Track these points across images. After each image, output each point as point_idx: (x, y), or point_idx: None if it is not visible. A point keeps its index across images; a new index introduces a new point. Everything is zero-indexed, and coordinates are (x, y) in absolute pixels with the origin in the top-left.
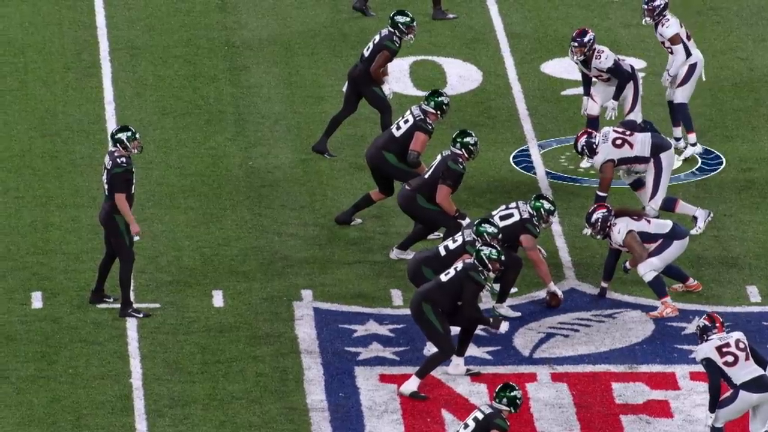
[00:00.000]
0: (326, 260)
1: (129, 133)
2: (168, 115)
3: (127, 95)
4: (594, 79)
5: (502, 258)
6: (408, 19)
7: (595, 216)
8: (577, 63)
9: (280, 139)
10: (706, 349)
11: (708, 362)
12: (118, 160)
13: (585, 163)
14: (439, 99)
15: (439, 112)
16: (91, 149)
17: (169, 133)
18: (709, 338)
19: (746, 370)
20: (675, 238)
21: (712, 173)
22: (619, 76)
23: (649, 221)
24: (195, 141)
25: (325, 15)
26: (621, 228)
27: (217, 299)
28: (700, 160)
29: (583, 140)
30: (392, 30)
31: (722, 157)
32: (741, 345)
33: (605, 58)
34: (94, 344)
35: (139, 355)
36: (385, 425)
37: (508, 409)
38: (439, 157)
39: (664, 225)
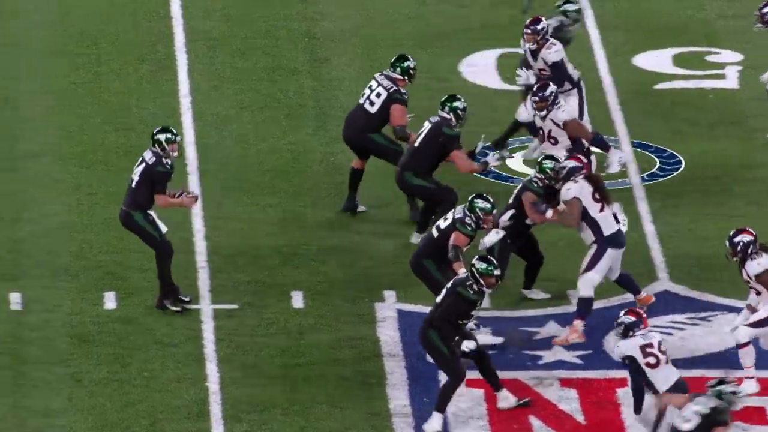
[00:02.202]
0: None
1: (168, 135)
2: (246, 109)
3: (204, 88)
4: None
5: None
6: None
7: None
8: (526, 52)
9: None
10: (630, 346)
11: (631, 361)
12: (163, 160)
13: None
14: (405, 64)
15: (406, 77)
16: None
17: (247, 127)
18: (634, 335)
19: (666, 373)
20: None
21: None
22: (561, 74)
23: None
24: (274, 136)
25: (410, 6)
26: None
27: (297, 300)
28: None
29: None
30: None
31: None
32: (663, 347)
33: (555, 51)
34: (169, 346)
35: (216, 358)
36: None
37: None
38: (427, 125)
39: None
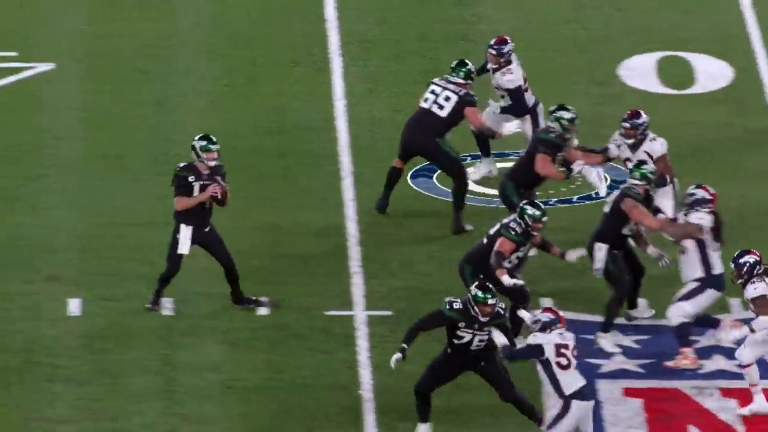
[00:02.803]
0: (571, 267)
1: (204, 143)
2: (401, 113)
3: (358, 91)
4: (491, 110)
5: (544, 218)
6: None
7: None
8: (489, 70)
9: (517, 137)
10: (545, 339)
11: (539, 352)
12: (181, 164)
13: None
14: (467, 68)
15: (469, 81)
16: (320, 148)
17: (401, 131)
18: (552, 331)
19: (574, 378)
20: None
21: None
22: (515, 100)
23: None
24: None
25: (567, 9)
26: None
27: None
28: None
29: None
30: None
31: None
32: (575, 352)
33: (508, 80)
34: (323, 353)
35: (370, 365)
36: None
37: None
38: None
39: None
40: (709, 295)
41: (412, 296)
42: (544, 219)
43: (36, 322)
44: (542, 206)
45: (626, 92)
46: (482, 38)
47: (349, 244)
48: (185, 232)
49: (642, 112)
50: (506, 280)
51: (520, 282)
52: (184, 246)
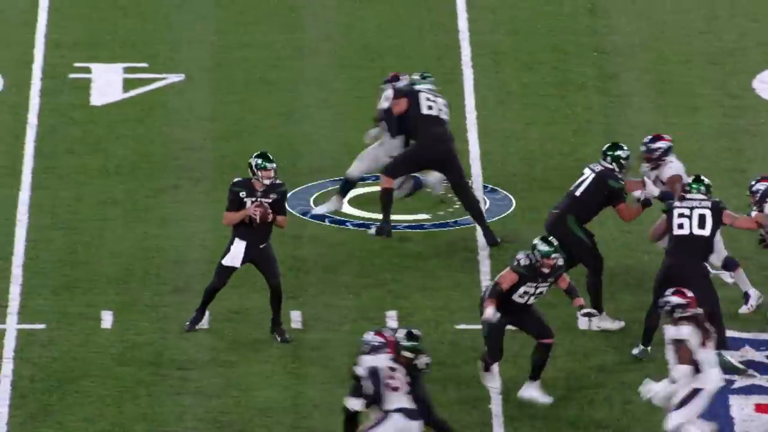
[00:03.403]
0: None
1: (260, 161)
2: (533, 125)
3: (490, 103)
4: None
5: (554, 255)
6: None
7: (757, 186)
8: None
9: None
10: (377, 360)
11: (372, 374)
12: (236, 178)
13: None
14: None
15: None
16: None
17: (533, 144)
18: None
19: (401, 399)
20: None
21: None
22: (389, 121)
23: None
24: (561, 153)
25: (701, 20)
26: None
27: (582, 321)
28: None
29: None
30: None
31: None
32: (407, 378)
33: (383, 99)
34: (451, 367)
35: (498, 379)
36: None
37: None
38: (588, 173)
39: None
40: None
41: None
42: (554, 256)
43: (164, 334)
44: (555, 243)
45: (760, 105)
46: (614, 50)
47: (479, 257)
48: (238, 246)
49: (663, 137)
50: (489, 312)
51: (496, 318)
52: (234, 259)
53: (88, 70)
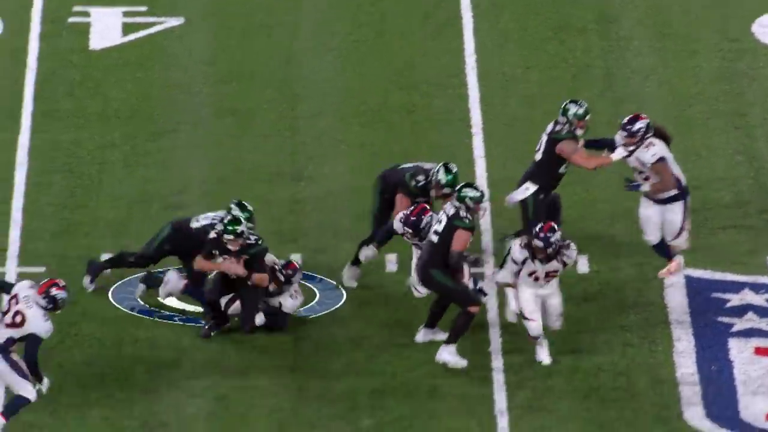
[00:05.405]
0: (699, 225)
1: (229, 227)
2: (532, 69)
3: (489, 47)
4: None
5: (484, 199)
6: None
7: (638, 125)
8: None
9: (650, 95)
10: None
11: None
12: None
13: None
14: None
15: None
16: (450, 103)
17: (533, 88)
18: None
19: None
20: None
21: None
22: None
23: None
24: (560, 96)
25: None
26: (656, 151)
27: (582, 264)
28: None
29: None
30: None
31: None
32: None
33: None
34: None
35: (498, 328)
36: (759, 402)
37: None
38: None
39: None
40: None
41: None
42: (485, 200)
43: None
44: (480, 188)
45: (759, 49)
46: None
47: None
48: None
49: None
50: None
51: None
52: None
53: (87, 14)
